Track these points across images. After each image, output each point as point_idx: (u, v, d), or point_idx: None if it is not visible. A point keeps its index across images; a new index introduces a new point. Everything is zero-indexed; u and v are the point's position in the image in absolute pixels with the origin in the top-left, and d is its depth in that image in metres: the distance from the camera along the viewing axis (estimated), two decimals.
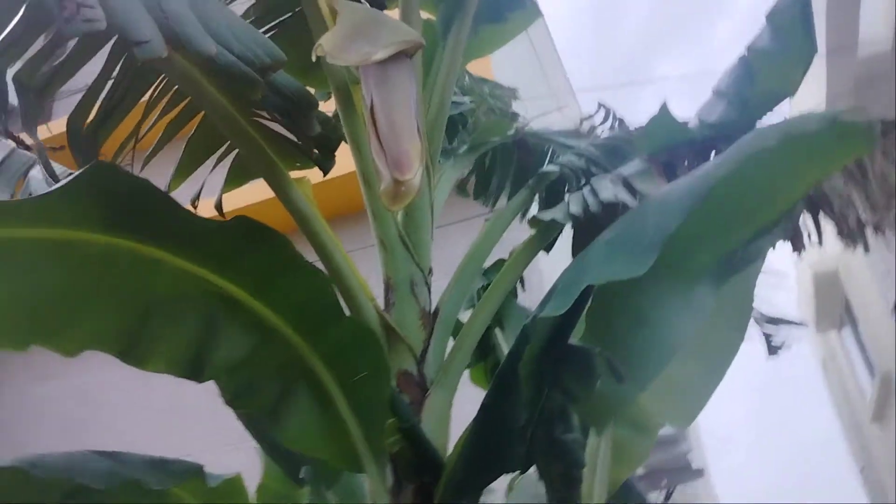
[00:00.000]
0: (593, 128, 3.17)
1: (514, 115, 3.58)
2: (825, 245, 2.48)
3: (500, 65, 5.89)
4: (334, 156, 1.75)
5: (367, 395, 1.70)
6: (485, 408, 1.50)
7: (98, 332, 1.49)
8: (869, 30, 7.68)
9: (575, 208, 2.09)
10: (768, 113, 2.24)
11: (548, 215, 2.16)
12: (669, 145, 2.24)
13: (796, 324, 4.52)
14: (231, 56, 1.22)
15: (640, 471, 6.03)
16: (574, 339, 1.43)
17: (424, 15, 2.38)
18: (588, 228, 2.19)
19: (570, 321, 1.29)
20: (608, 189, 2.05)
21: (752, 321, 4.28)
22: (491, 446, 1.51)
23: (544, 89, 8.15)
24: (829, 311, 11.62)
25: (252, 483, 2.62)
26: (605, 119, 3.23)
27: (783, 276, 3.30)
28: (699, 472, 5.67)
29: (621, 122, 3.30)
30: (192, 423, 4.93)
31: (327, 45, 1.35)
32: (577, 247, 2.41)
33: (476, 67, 3.53)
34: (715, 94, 2.27)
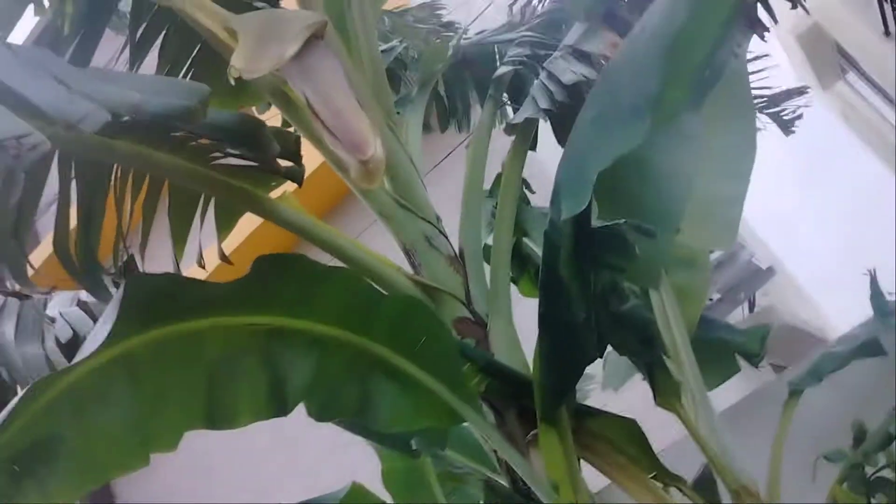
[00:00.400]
0: (523, 8, 3.12)
1: (450, 25, 3.52)
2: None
3: None
4: (301, 163, 1.77)
5: (434, 355, 1.76)
6: (543, 318, 1.55)
7: (181, 418, 1.59)
8: None
9: (543, 102, 2.09)
10: None
11: (518, 116, 2.16)
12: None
13: (797, 90, 4.49)
14: (157, 102, 1.24)
15: (716, 296, 6.11)
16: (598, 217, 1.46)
17: None
18: (562, 113, 2.19)
19: (586, 209, 1.32)
20: (566, 70, 2.04)
21: (757, 113, 4.26)
22: (564, 350, 1.56)
23: None
24: (827, 64, 11.39)
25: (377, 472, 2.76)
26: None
27: (769, 58, 3.26)
28: (770, 272, 5.73)
29: None
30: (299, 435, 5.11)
31: (239, 63, 1.35)
32: (559, 131, 2.42)
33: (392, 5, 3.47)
34: None
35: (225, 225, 1.93)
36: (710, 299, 5.82)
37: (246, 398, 1.70)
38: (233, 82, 1.35)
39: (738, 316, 6.49)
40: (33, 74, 1.06)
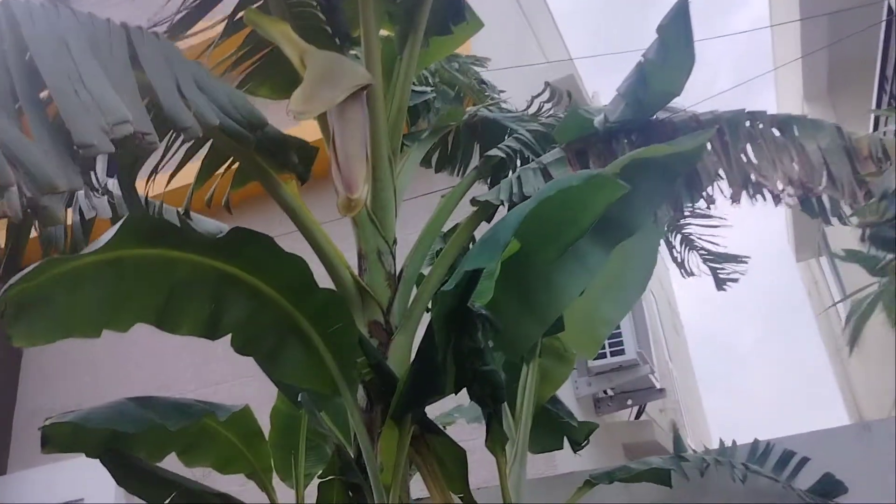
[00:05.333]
0: (540, 108, 3.72)
1: (485, 83, 4.11)
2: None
3: (489, 36, 6.30)
4: (310, 170, 2.35)
5: (340, 341, 2.34)
6: (419, 350, 2.14)
7: (140, 312, 2.16)
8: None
9: (504, 194, 2.68)
10: (659, 110, 2.81)
11: (483, 197, 2.76)
12: (581, 136, 2.81)
13: (740, 259, 5.14)
14: (229, 120, 1.81)
15: (609, 391, 6.79)
16: (482, 300, 2.05)
17: (384, 32, 2.93)
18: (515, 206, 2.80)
19: (467, 290, 1.92)
20: (529, 182, 2.63)
21: (699, 259, 4.95)
22: (423, 376, 2.15)
23: (540, 57, 8.52)
24: (807, 239, 12.18)
25: (268, 407, 3.34)
26: (551, 99, 3.78)
27: (724, 221, 3.92)
28: (662, 392, 6.40)
29: (569, 97, 3.85)
30: (221, 359, 5.65)
31: (296, 106, 1.92)
32: None
33: (461, 49, 4.03)
34: (618, 95, 2.82)
35: (238, 183, 2.51)
36: (604, 393, 6.49)
37: (191, 315, 2.27)
38: (291, 117, 1.91)
39: (623, 417, 7.17)
40: (167, 81, 1.61)
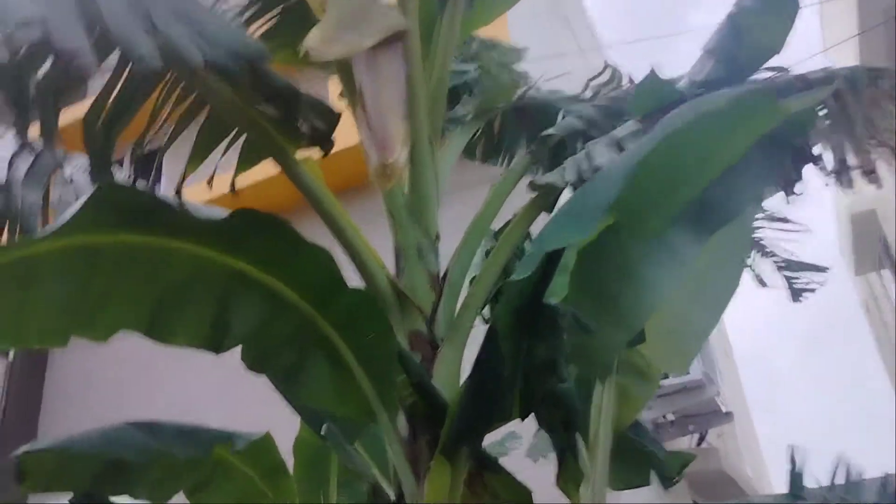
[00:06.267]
0: (598, 88, 3.25)
1: (524, 75, 3.65)
2: (860, 186, 2.55)
3: (519, 24, 5.90)
4: (331, 138, 1.89)
5: (375, 354, 1.87)
6: (477, 362, 1.65)
7: (123, 317, 1.70)
8: None
9: (570, 173, 2.19)
10: (757, 69, 2.31)
11: (544, 179, 2.27)
12: (660, 105, 2.32)
13: (818, 268, 4.57)
14: (220, 53, 1.35)
15: (670, 416, 6.18)
16: (556, 297, 1.56)
17: None
18: None
19: (543, 281, 1.42)
20: (602, 156, 2.14)
21: (775, 268, 4.39)
22: (483, 398, 1.66)
23: (571, 46, 8.10)
24: (868, 252, 11.46)
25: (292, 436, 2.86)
26: (612, 79, 3.30)
27: (805, 226, 3.37)
28: (728, 416, 5.79)
29: (630, 80, 3.36)
30: (235, 382, 5.21)
31: (311, 42, 1.48)
32: None
33: (491, 30, 3.61)
34: (704, 53, 2.33)
35: (246, 162, 2.05)
36: (664, 417, 5.89)
37: (190, 322, 1.81)
38: (301, 55, 1.47)
39: (683, 444, 6.54)
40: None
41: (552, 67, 5.27)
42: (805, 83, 2.29)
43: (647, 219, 1.38)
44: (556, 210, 1.61)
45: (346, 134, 2.17)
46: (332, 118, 1.78)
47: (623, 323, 1.85)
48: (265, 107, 1.65)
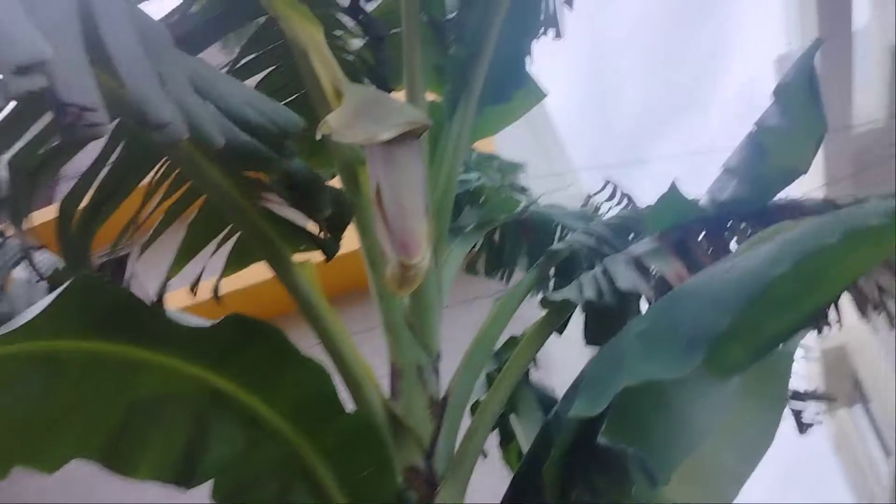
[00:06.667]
0: (599, 205, 3.15)
1: (524, 190, 3.56)
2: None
3: (501, 144, 5.95)
4: (341, 239, 1.69)
5: (369, 494, 1.58)
6: None
7: (79, 443, 1.40)
8: (863, 108, 7.79)
9: (589, 292, 2.01)
10: (782, 189, 2.20)
11: (559, 296, 2.08)
12: (680, 223, 2.19)
13: (822, 395, 4.38)
14: (245, 136, 1.17)
15: None
16: (611, 435, 1.33)
17: (430, 96, 2.37)
18: (601, 312, 2.12)
19: (597, 419, 1.19)
20: (625, 276, 1.97)
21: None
22: None
23: (547, 168, 8.23)
24: (839, 388, 11.36)
25: None
26: (612, 196, 3.21)
27: (808, 350, 3.21)
28: None
29: (629, 199, 3.27)
30: None
31: (333, 123, 1.30)
32: (590, 331, 2.32)
33: (480, 146, 3.54)
34: (725, 172, 2.22)
35: (235, 264, 1.82)
36: None
37: (156, 450, 1.51)
38: (319, 136, 1.29)
39: None
40: (135, 53, 0.99)
41: (535, 188, 5.28)
42: (835, 207, 2.19)
43: (732, 350, 1.17)
44: (624, 334, 1.39)
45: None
46: (348, 212, 1.58)
47: (659, 462, 1.60)
48: (272, 195, 1.45)
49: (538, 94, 2.55)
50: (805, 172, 2.15)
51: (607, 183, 3.21)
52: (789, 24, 10.06)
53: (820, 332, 2.16)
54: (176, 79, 1.11)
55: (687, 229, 2.21)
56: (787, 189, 2.28)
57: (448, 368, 2.12)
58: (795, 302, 1.16)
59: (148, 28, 1.11)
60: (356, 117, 1.44)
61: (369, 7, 2.22)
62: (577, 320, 2.46)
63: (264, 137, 1.20)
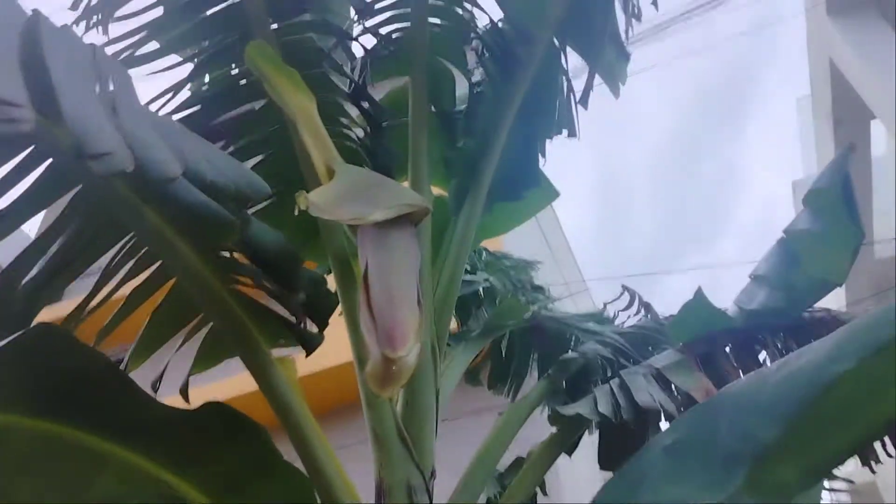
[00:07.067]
0: (616, 314, 2.95)
1: (539, 289, 3.36)
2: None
3: (510, 247, 5.85)
4: (323, 331, 1.50)
5: None
6: None
7: None
8: (882, 234, 7.70)
9: (604, 407, 1.79)
10: (818, 300, 2.01)
11: (571, 410, 1.86)
12: (706, 334, 1.99)
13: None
14: (200, 195, 1.01)
15: None
16: None
17: (436, 191, 2.25)
18: (618, 431, 1.89)
19: None
20: (643, 389, 1.76)
21: None
22: None
23: (557, 277, 8.09)
24: None
25: None
26: (630, 305, 3.02)
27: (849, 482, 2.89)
28: None
29: (647, 308, 3.08)
30: None
31: (317, 198, 1.15)
32: (605, 452, 2.08)
33: (486, 242, 3.39)
34: (754, 280, 2.05)
35: (205, 359, 1.63)
36: None
37: None
38: (297, 212, 1.14)
39: None
40: (75, 78, 0.86)
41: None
42: None
43: (781, 469, 0.95)
44: (646, 450, 1.17)
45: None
46: (328, 299, 1.40)
47: None
48: (247, 278, 1.28)
49: (551, 194, 2.42)
50: (841, 284, 1.97)
51: (624, 290, 3.03)
52: (805, 150, 10.15)
53: (867, 460, 1.90)
54: (129, 109, 0.97)
55: (713, 341, 2.00)
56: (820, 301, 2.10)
57: (443, 489, 1.88)
58: (861, 408, 0.94)
59: (103, 62, 0.99)
60: (347, 196, 1.30)
61: (376, 95, 2.13)
62: (590, 441, 2.22)
63: (221, 198, 1.04)
